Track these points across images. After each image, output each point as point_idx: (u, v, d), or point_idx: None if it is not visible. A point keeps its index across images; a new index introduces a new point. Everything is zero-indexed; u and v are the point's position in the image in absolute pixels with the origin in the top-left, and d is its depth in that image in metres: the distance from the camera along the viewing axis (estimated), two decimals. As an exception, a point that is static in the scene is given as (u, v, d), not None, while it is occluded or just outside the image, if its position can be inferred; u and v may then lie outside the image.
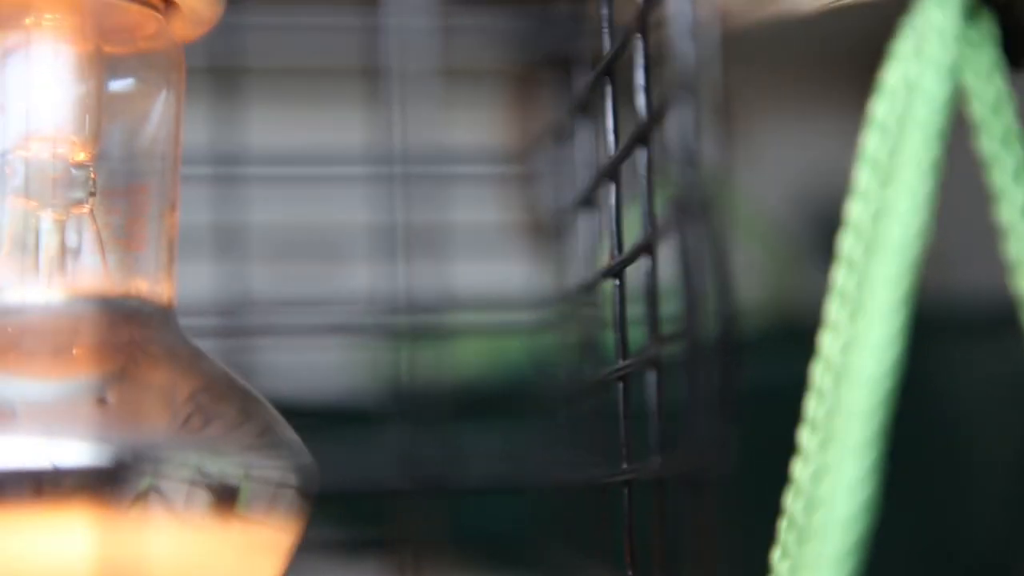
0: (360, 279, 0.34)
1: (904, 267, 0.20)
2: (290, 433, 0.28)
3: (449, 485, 0.33)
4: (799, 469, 0.24)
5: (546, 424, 0.36)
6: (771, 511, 0.26)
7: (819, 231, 0.66)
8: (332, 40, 0.35)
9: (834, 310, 0.23)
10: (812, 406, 0.24)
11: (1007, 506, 0.59)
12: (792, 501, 0.24)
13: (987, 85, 0.23)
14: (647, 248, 0.28)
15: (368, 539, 0.37)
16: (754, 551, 0.26)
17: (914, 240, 0.20)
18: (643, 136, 0.28)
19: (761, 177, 0.70)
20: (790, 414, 0.26)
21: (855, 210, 0.23)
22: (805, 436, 0.24)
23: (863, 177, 0.23)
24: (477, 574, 0.43)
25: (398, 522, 0.33)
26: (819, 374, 0.24)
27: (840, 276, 0.23)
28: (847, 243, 0.23)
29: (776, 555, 0.25)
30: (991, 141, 0.23)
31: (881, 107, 0.23)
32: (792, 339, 0.37)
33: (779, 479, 0.27)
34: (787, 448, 0.26)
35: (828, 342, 0.24)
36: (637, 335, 0.30)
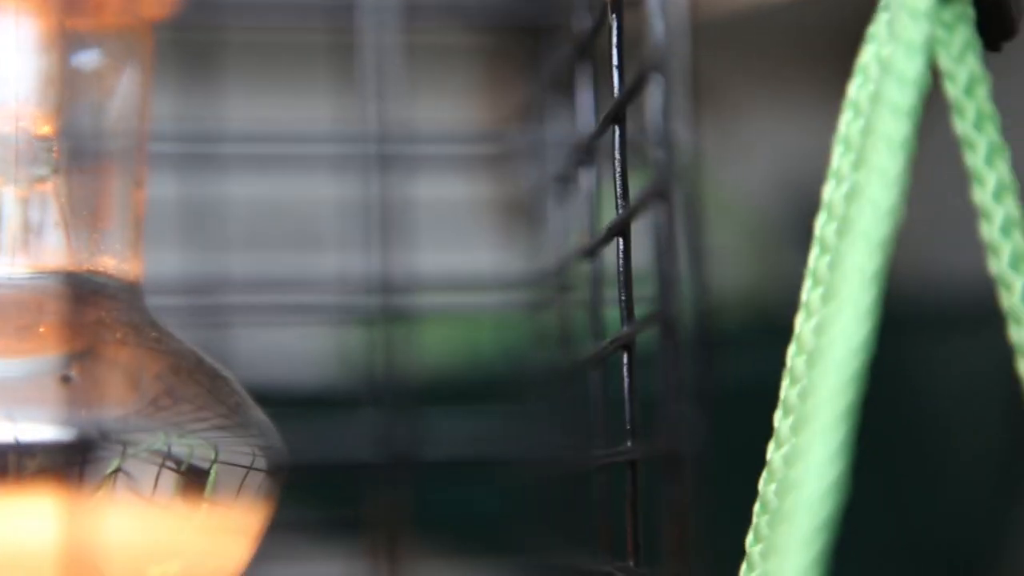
0: (332, 260, 0.34)
1: (874, 245, 0.20)
2: (259, 414, 0.28)
3: (421, 461, 0.33)
4: (773, 452, 0.24)
5: (519, 408, 0.36)
6: (750, 499, 0.26)
7: (799, 218, 0.66)
8: (303, 17, 0.35)
9: (808, 291, 0.23)
10: (786, 388, 0.24)
11: (982, 497, 0.59)
12: (765, 484, 0.24)
13: (960, 66, 0.22)
14: (620, 229, 0.28)
15: (339, 519, 0.37)
16: (731, 540, 0.26)
17: (884, 219, 0.20)
18: (617, 115, 0.27)
19: (741, 164, 0.70)
20: (769, 404, 0.26)
21: (829, 190, 0.23)
22: (779, 419, 0.24)
23: (837, 157, 0.23)
24: (451, 559, 0.42)
25: (370, 501, 0.33)
26: (793, 356, 0.24)
27: (814, 257, 0.23)
28: (821, 223, 0.23)
29: (749, 539, 0.25)
30: (964, 123, 0.23)
31: (855, 87, 0.23)
32: (771, 328, 0.37)
33: (758, 467, 0.27)
34: (765, 437, 0.26)
35: (802, 323, 0.24)
36: (612, 317, 0.30)
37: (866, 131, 0.21)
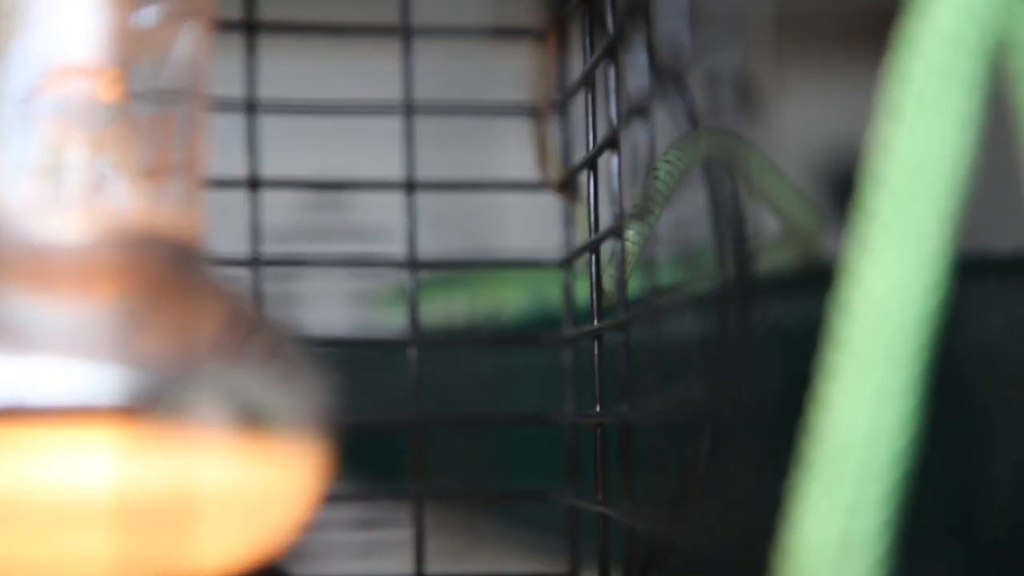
0: (393, 224, 0.34)
1: (949, 179, 0.20)
2: (314, 370, 0.28)
3: (464, 418, 0.34)
4: (836, 408, 0.24)
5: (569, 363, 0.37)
6: (785, 448, 0.26)
7: (837, 198, 0.66)
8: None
9: (876, 244, 0.23)
10: (848, 340, 0.24)
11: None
12: (824, 440, 0.24)
13: None
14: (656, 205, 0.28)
15: (384, 470, 0.38)
16: (769, 488, 0.26)
17: (959, 151, 0.20)
18: (669, 80, 0.28)
19: (778, 145, 0.70)
20: (807, 353, 0.26)
21: (899, 137, 0.22)
22: (841, 372, 0.24)
23: (897, 93, 0.22)
24: (491, 508, 0.43)
25: (411, 451, 0.33)
26: (857, 310, 0.23)
27: (871, 196, 0.23)
28: (892, 173, 0.23)
29: (810, 495, 0.24)
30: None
31: (918, 22, 0.22)
32: (812, 282, 0.37)
33: (791, 418, 0.27)
34: (803, 386, 0.26)
35: (870, 278, 0.23)
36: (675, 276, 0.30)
37: (931, 66, 0.21)
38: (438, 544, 0.37)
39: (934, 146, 0.21)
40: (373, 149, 0.37)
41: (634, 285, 0.32)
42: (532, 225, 0.37)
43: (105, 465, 0.24)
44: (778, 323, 0.41)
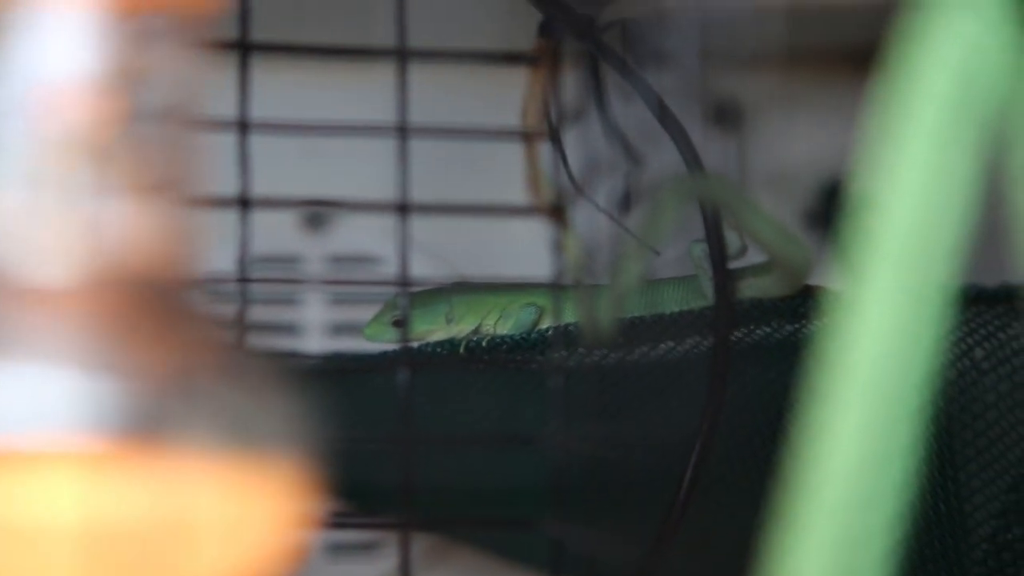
0: (375, 246, 0.35)
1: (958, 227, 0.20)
2: (297, 401, 0.28)
3: (451, 440, 0.34)
4: (832, 435, 0.23)
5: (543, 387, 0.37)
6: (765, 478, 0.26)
7: (836, 224, 0.66)
8: (359, 18, 0.35)
9: (879, 272, 0.22)
10: (847, 367, 0.23)
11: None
12: (819, 468, 0.23)
13: None
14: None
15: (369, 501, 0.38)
16: (749, 514, 0.26)
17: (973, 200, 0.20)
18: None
19: (768, 183, 0.70)
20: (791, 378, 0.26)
21: (905, 168, 0.22)
22: (839, 399, 0.23)
23: (913, 134, 0.22)
24: (471, 531, 0.43)
25: (403, 480, 0.33)
26: (856, 337, 0.23)
27: (886, 238, 0.22)
28: (896, 204, 0.22)
29: (803, 524, 0.24)
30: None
31: (949, 47, 0.22)
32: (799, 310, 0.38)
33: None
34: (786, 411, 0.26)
35: (871, 307, 0.23)
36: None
37: (938, 97, 0.21)
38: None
39: (940, 178, 0.21)
40: (366, 174, 0.38)
41: (627, 311, 0.32)
42: (524, 251, 0.38)
43: (92, 489, 0.24)
44: (763, 348, 0.41)
